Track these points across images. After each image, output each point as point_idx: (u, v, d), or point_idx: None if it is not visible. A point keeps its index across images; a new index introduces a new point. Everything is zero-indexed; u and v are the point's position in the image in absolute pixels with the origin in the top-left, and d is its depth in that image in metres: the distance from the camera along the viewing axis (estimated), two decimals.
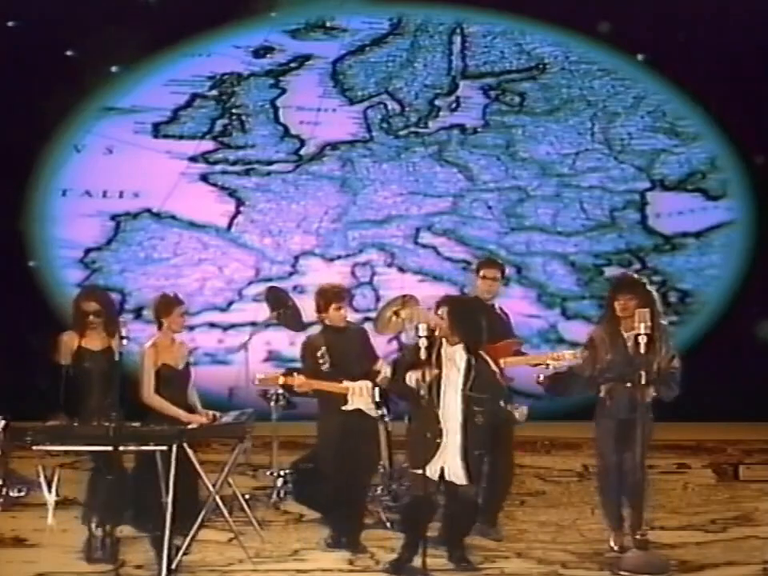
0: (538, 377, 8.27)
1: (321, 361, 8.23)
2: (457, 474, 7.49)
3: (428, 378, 7.37)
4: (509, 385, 8.44)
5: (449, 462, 7.47)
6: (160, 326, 8.07)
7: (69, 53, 13.23)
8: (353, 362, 8.30)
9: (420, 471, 7.43)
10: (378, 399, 8.30)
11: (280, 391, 9.39)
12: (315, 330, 8.52)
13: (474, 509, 7.73)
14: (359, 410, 8.25)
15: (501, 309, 8.76)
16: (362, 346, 8.42)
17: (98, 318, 7.94)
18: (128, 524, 7.96)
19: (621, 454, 7.97)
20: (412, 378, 7.47)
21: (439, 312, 7.60)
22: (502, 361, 8.26)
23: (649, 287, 8.07)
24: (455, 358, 7.55)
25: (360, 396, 8.24)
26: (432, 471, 7.44)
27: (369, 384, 8.28)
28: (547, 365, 8.50)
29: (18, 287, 13.05)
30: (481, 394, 7.50)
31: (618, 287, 8.11)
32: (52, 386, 7.91)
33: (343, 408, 8.21)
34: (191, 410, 8.09)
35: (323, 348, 8.25)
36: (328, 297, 8.31)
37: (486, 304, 8.45)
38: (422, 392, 7.37)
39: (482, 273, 8.59)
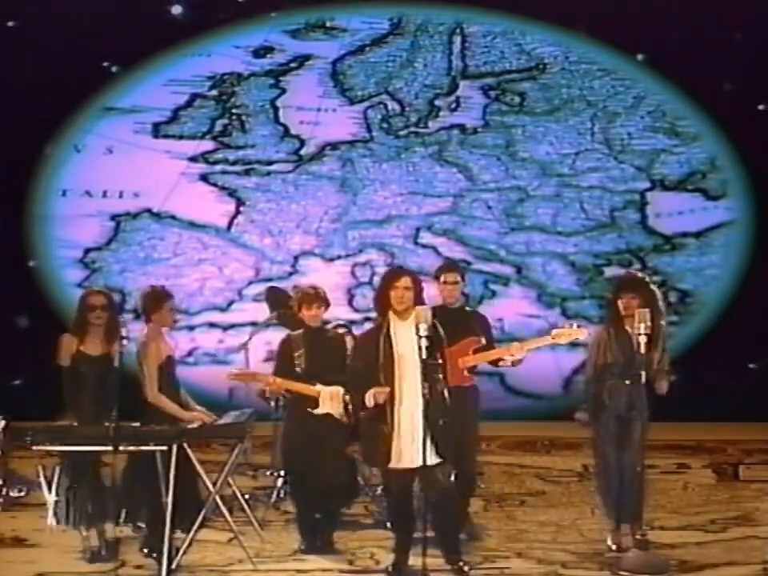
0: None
1: (296, 362, 8.24)
2: (424, 453, 7.26)
3: (383, 397, 7.32)
4: (472, 384, 8.38)
5: (414, 444, 7.28)
6: (148, 322, 7.94)
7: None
8: (328, 366, 8.24)
9: (395, 466, 7.36)
10: (348, 406, 8.19)
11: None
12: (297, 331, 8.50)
13: (451, 493, 7.51)
14: (327, 415, 8.21)
15: (474, 312, 8.73)
16: (341, 352, 8.35)
17: (104, 312, 7.87)
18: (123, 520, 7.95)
19: (620, 452, 7.97)
20: (370, 399, 7.35)
21: (400, 283, 7.46)
22: (460, 361, 8.20)
23: (652, 286, 8.08)
24: (407, 331, 7.38)
25: (331, 401, 8.21)
26: (406, 460, 7.32)
27: (341, 390, 8.19)
28: (507, 359, 8.43)
29: (18, 287, 13.05)
30: (436, 361, 7.37)
31: (621, 286, 8.10)
32: (55, 387, 7.91)
33: (314, 411, 8.19)
34: (185, 406, 8.07)
35: (301, 350, 8.26)
36: (299, 298, 8.34)
37: (451, 309, 8.37)
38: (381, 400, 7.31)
39: (442, 279, 8.51)
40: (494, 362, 8.37)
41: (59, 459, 7.88)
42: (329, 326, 8.66)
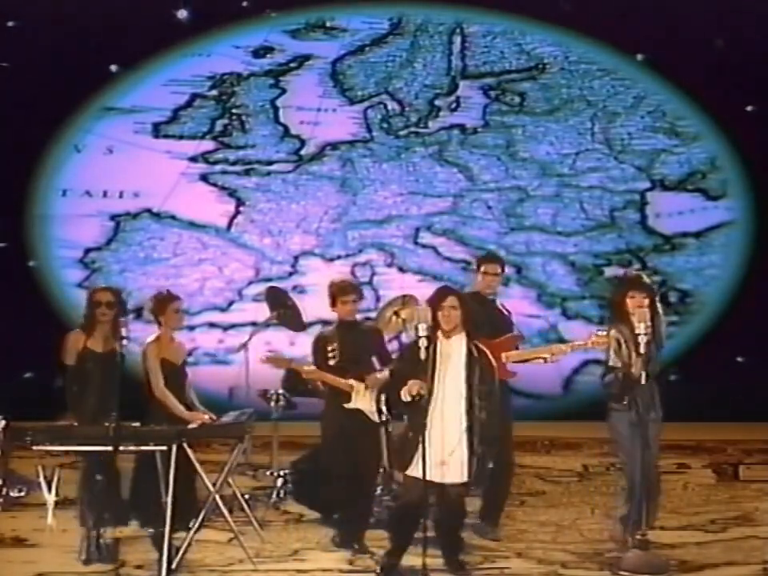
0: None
1: (330, 355, 8.19)
2: (455, 470, 7.34)
3: (423, 392, 7.25)
4: (511, 379, 8.44)
5: (442, 459, 7.26)
6: (159, 324, 8.14)
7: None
8: (362, 360, 8.24)
9: (414, 474, 7.34)
10: (382, 405, 8.19)
11: (280, 391, 9.39)
12: (330, 325, 8.46)
13: (461, 508, 7.57)
14: (359, 411, 8.22)
15: (502, 305, 8.75)
16: (375, 345, 8.35)
17: (109, 309, 7.92)
18: (131, 519, 7.95)
19: (644, 452, 7.87)
20: (405, 393, 7.30)
21: (446, 303, 7.51)
22: (504, 356, 8.26)
23: (654, 286, 8.11)
24: (454, 350, 7.40)
25: (363, 397, 8.21)
26: (417, 471, 7.28)
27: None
28: (545, 359, 8.50)
29: (18, 287, 13.04)
30: (482, 386, 7.39)
31: (631, 285, 8.05)
32: (57, 386, 7.93)
33: (345, 406, 8.18)
34: (189, 408, 8.09)
35: (335, 343, 8.20)
36: (334, 291, 8.28)
37: (487, 299, 8.43)
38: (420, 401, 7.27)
39: (483, 269, 8.55)
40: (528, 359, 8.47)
41: (79, 459, 7.93)
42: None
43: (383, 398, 8.02)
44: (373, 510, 8.37)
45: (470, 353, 7.43)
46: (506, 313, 8.65)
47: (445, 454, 7.30)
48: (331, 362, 8.17)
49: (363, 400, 8.21)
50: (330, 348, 8.19)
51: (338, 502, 8.20)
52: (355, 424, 8.15)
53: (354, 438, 8.10)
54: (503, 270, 8.68)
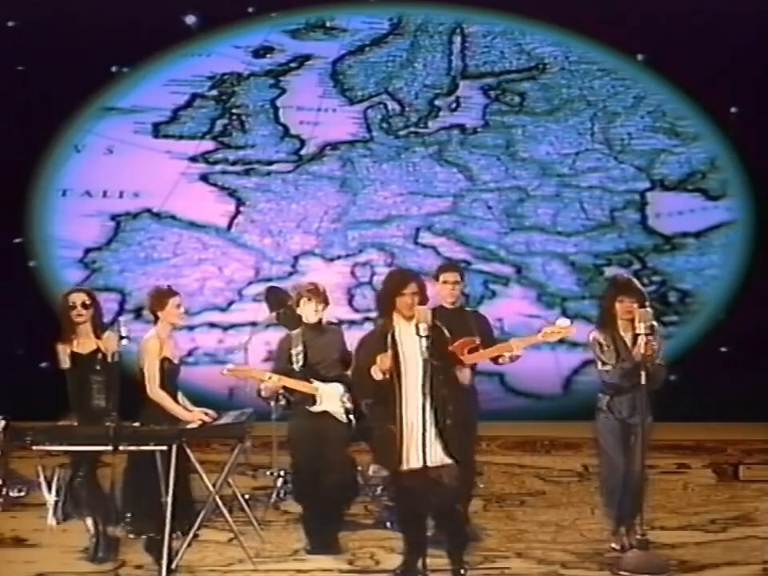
0: None
1: (294, 359, 8.24)
2: (437, 453, 7.26)
3: (388, 365, 7.25)
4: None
5: (419, 445, 7.19)
6: (156, 320, 8.00)
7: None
8: (326, 363, 8.28)
9: (392, 470, 7.35)
10: (347, 405, 8.23)
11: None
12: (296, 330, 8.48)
13: (455, 494, 7.49)
14: (329, 413, 8.21)
15: (476, 313, 8.67)
16: (339, 347, 8.37)
17: (84, 309, 7.93)
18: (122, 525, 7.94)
19: (625, 454, 7.95)
20: (376, 371, 7.31)
21: (407, 290, 7.40)
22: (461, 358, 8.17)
23: (644, 291, 8.10)
24: (412, 333, 7.30)
25: (329, 399, 8.21)
26: (412, 461, 7.26)
27: (340, 388, 8.23)
28: (503, 357, 8.40)
29: (18, 287, 13.04)
30: (438, 362, 7.31)
31: (621, 289, 8.06)
32: (58, 386, 7.94)
33: (310, 409, 8.19)
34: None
35: (299, 347, 8.25)
36: (299, 294, 8.36)
37: (449, 310, 8.32)
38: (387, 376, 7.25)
39: (441, 278, 8.45)
40: (494, 360, 8.33)
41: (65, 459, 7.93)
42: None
43: (347, 396, 8.09)
44: (342, 513, 8.34)
45: (427, 327, 7.25)
46: (474, 319, 8.43)
47: (419, 437, 7.20)
48: (296, 366, 8.22)
49: (329, 402, 8.21)
50: (293, 351, 8.25)
51: (315, 505, 8.19)
52: (322, 427, 8.14)
53: (321, 441, 8.10)
54: (462, 278, 8.55)
